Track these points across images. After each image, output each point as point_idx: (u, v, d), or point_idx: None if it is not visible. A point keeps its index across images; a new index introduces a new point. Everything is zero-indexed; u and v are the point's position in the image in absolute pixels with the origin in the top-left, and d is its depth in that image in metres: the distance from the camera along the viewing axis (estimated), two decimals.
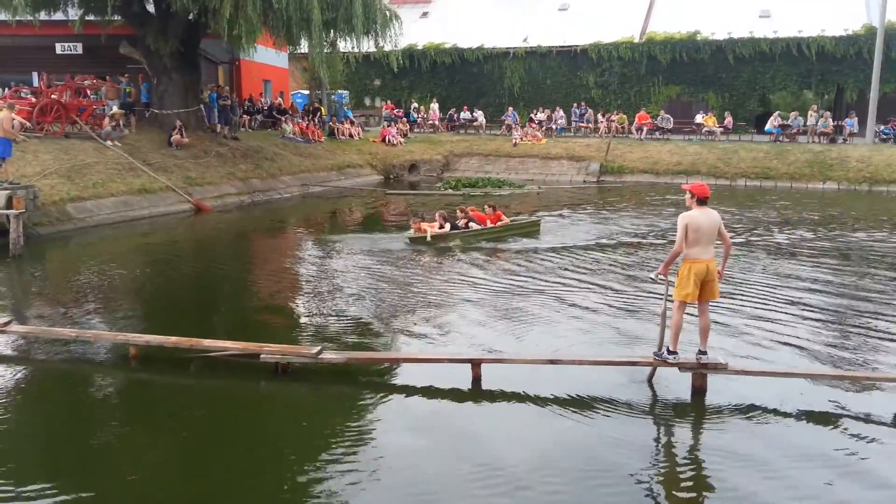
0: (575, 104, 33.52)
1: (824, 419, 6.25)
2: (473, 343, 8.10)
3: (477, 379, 6.91)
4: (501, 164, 28.27)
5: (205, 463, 5.65)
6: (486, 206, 15.17)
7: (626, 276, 11.43)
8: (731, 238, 7.29)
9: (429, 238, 13.69)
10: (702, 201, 6.56)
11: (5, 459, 5.55)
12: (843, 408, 6.47)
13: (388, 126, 31.24)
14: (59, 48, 25.24)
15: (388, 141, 29.40)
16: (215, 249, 14.87)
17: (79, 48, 25.23)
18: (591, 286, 10.70)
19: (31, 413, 6.65)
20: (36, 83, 24.94)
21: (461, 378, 6.92)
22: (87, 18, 21.70)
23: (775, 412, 6.33)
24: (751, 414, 6.31)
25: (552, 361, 7.07)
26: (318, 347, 7.19)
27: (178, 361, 7.40)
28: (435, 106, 35.35)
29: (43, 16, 20.67)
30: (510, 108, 33.94)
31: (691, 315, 7.15)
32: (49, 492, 5.06)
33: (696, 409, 6.51)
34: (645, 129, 30.41)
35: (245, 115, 26.67)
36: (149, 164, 19.00)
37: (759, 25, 33.15)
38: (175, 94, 22.12)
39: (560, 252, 13.20)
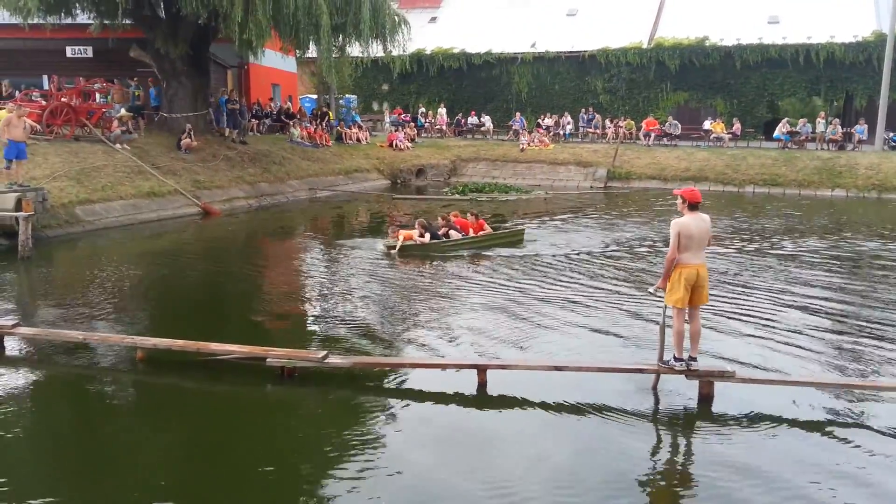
0: (583, 110, 33.52)
1: (832, 429, 6.21)
2: (478, 348, 8.09)
3: (483, 385, 6.90)
4: (509, 169, 28.29)
5: (211, 466, 5.66)
6: (468, 214, 14.68)
7: (631, 281, 11.40)
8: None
9: (395, 251, 13.14)
10: (693, 206, 6.55)
11: (12, 461, 5.58)
12: (850, 417, 6.44)
13: (396, 130, 31.30)
14: (69, 51, 25.38)
15: (396, 145, 29.44)
16: (223, 253, 14.91)
17: (89, 51, 25.37)
18: (596, 291, 10.67)
19: (38, 415, 6.68)
20: (46, 86, 25.10)
21: (467, 384, 6.92)
22: (90, 22, 21.83)
23: (782, 421, 6.30)
24: (758, 423, 6.28)
25: (558, 368, 7.05)
26: (324, 352, 7.20)
27: (185, 364, 7.43)
28: (442, 110, 35.41)
29: (53, 19, 20.81)
30: (518, 114, 33.96)
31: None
32: (54, 495, 5.08)
33: (702, 418, 6.48)
34: (653, 135, 30.37)
35: (253, 119, 26.78)
36: (157, 167, 19.09)
37: (767, 31, 33.07)
38: (184, 98, 22.23)
39: (566, 257, 13.18)
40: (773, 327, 8.96)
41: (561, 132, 32.17)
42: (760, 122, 33.18)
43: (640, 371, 7.03)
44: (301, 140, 26.35)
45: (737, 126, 30.52)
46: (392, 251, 13.27)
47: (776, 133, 29.25)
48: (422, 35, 36.36)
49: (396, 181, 27.21)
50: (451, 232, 13.77)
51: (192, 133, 21.22)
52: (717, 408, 6.58)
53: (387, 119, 35.39)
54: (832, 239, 15.74)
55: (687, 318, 6.69)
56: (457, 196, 22.93)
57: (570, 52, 35.69)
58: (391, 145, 29.48)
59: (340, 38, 22.76)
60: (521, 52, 36.44)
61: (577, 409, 6.51)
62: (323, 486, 5.29)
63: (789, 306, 9.98)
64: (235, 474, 5.47)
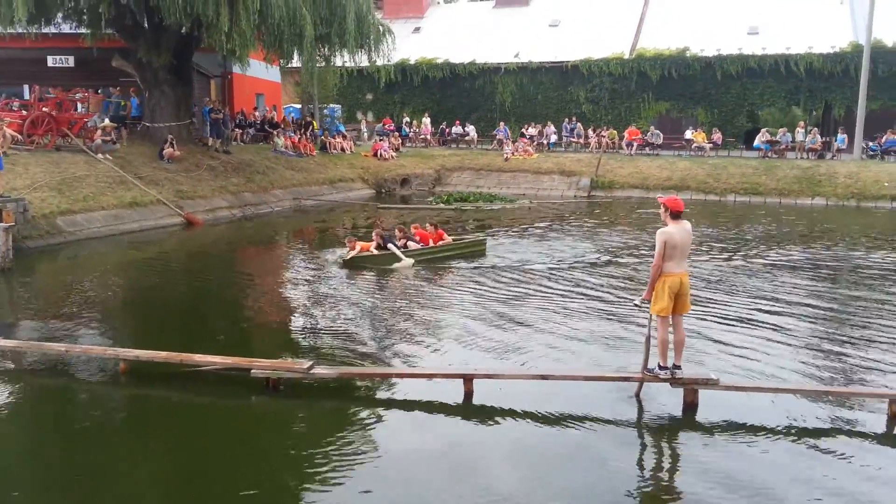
0: (566, 119, 33.74)
1: (814, 435, 6.26)
2: (465, 357, 8.09)
3: (469, 394, 6.90)
4: (493, 178, 28.37)
5: (195, 479, 5.61)
6: (427, 224, 14.73)
7: (615, 290, 11.47)
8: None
9: (344, 259, 13.17)
10: (675, 215, 6.61)
11: None
12: (834, 424, 6.50)
13: (380, 140, 31.31)
14: (50, 61, 25.15)
15: (380, 155, 29.44)
16: (206, 263, 14.82)
17: (70, 61, 25.17)
18: (581, 299, 10.72)
19: (19, 428, 6.59)
20: (27, 96, 24.87)
21: (453, 393, 6.92)
22: (79, 31, 21.69)
23: (766, 428, 6.35)
24: (741, 430, 6.33)
25: (544, 377, 7.08)
26: (310, 363, 7.16)
27: (169, 376, 7.36)
28: (427, 120, 35.46)
29: (35, 28, 20.64)
30: (501, 123, 34.08)
31: None
32: None
33: (687, 425, 6.52)
34: (635, 144, 30.60)
35: (237, 129, 26.69)
36: (140, 177, 18.95)
37: (747, 42, 33.50)
38: (167, 108, 22.10)
39: (547, 266, 13.23)
40: (757, 334, 9.04)
41: (544, 142, 32.33)
42: (741, 132, 33.54)
43: (626, 379, 7.06)
44: (285, 150, 26.28)
45: (717, 135, 30.82)
46: (341, 262, 13.25)
47: (756, 142, 29.58)
48: (406, 45, 36.44)
49: (381, 191, 27.20)
50: (410, 243, 13.73)
51: (174, 143, 21.09)
52: (701, 415, 6.62)
53: (363, 129, 35.23)
54: (814, 247, 15.92)
55: (671, 327, 6.74)
56: (441, 205, 22.96)
57: (553, 62, 35.94)
58: (376, 155, 29.48)
59: (325, 48, 22.77)
60: (504, 63, 36.64)
61: (562, 418, 6.53)
62: (309, 498, 5.25)
63: (773, 313, 10.07)
64: (220, 487, 5.42)
